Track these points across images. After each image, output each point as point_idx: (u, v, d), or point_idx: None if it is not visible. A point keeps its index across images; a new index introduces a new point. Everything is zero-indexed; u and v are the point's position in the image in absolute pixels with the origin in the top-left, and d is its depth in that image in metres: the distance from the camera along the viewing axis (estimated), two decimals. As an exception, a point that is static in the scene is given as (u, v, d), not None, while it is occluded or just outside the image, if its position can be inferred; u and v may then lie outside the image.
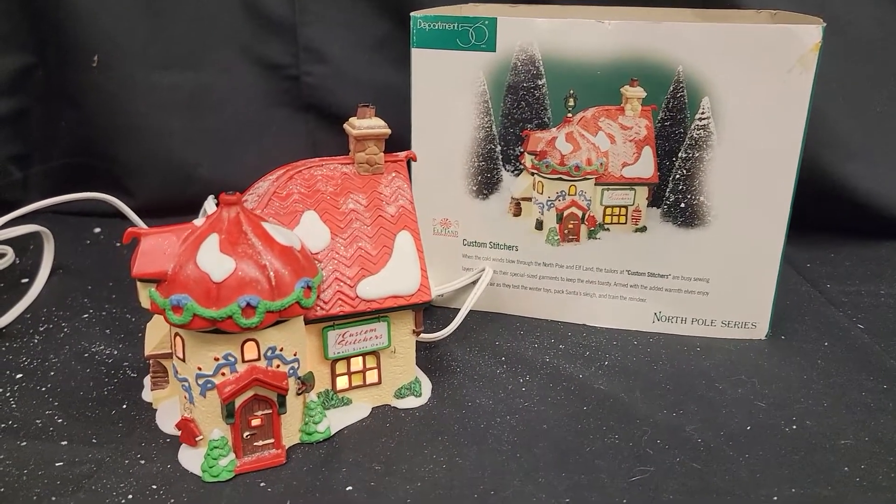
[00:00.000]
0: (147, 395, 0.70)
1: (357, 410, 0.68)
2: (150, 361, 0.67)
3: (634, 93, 0.77)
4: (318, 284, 0.62)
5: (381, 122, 0.67)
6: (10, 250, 0.94)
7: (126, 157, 1.14)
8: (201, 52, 1.12)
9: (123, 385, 0.71)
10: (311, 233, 0.64)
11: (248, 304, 0.56)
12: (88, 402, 0.69)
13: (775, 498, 0.58)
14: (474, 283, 0.86)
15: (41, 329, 0.81)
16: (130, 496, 0.57)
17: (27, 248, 1.00)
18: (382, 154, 0.68)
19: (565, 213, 0.82)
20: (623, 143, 0.79)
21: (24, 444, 0.62)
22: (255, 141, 1.16)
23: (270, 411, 0.61)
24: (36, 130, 1.14)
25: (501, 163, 0.82)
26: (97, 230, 1.11)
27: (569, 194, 0.81)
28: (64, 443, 0.63)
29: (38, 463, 0.60)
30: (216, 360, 0.58)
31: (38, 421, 0.66)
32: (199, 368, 0.58)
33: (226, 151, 1.16)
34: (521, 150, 0.81)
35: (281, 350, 0.60)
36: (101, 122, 1.13)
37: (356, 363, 0.67)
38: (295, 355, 0.61)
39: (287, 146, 1.17)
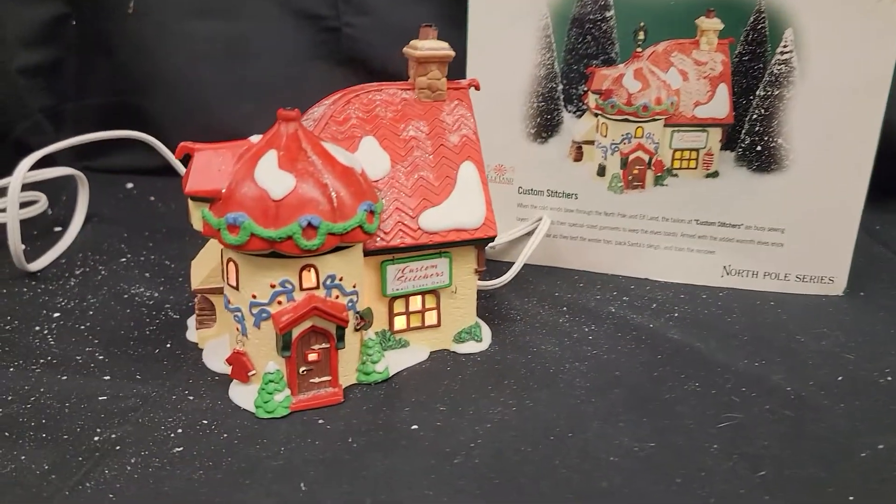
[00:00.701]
0: (192, 335, 0.66)
1: (415, 353, 0.63)
2: (196, 298, 0.63)
3: (711, 24, 0.72)
4: (380, 211, 0.57)
5: (444, 44, 0.63)
6: (42, 197, 0.90)
7: (159, 109, 1.10)
8: (238, 1, 1.08)
9: (166, 325, 0.67)
10: (370, 159, 0.60)
11: (310, 224, 0.52)
12: (130, 340, 0.65)
13: (881, 446, 0.53)
14: (529, 234, 0.81)
15: (77, 273, 0.78)
16: (180, 430, 0.53)
17: (59, 199, 0.96)
18: (445, 80, 0.63)
19: (630, 158, 0.77)
20: (696, 81, 0.74)
21: (65, 377, 0.59)
22: (291, 95, 1.11)
23: (328, 346, 0.56)
24: (69, 82, 1.11)
25: (562, 103, 0.77)
26: (130, 185, 1.07)
27: (635, 137, 0.76)
28: (106, 377, 0.59)
29: (80, 396, 0.56)
30: (272, 287, 0.54)
31: (77, 357, 0.62)
32: (254, 296, 0.54)
33: (260, 105, 1.11)
34: (585, 88, 0.76)
35: (340, 280, 0.56)
36: (135, 72, 1.09)
37: (415, 302, 0.63)
38: (354, 287, 0.57)
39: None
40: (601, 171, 0.78)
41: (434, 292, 0.63)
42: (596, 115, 0.77)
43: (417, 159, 0.62)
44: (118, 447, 0.51)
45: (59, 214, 0.93)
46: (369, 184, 0.57)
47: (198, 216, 0.54)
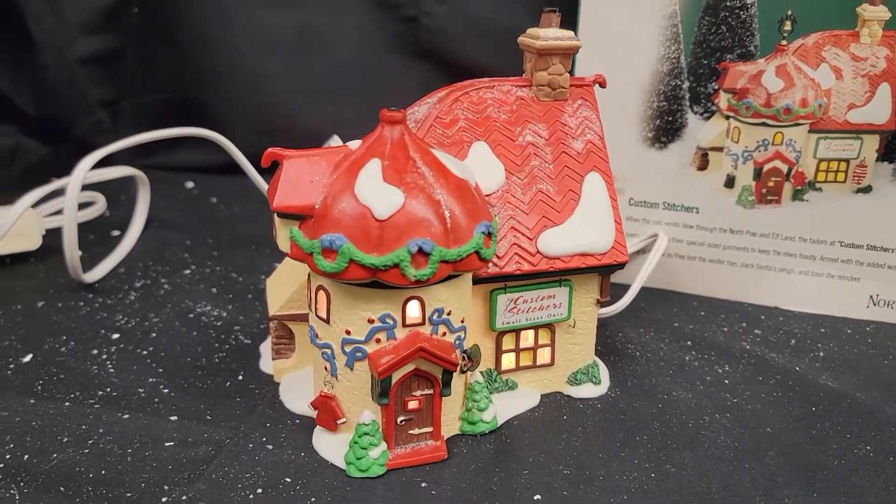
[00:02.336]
0: (266, 365, 0.57)
1: (524, 397, 0.54)
2: (273, 324, 0.55)
3: (875, 13, 0.61)
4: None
5: (569, 33, 0.53)
6: (101, 198, 0.83)
7: (223, 104, 1.02)
8: (310, -12, 1.00)
9: (237, 352, 0.59)
10: (482, 169, 0.51)
11: (420, 250, 0.43)
12: (198, 370, 0.57)
13: None
14: (640, 251, 0.71)
15: (137, 286, 0.70)
16: (260, 490, 0.44)
17: (118, 201, 0.89)
18: (568, 75, 0.54)
19: (766, 168, 0.67)
20: (853, 79, 0.63)
21: (127, 416, 0.51)
22: (364, 90, 1.03)
23: (432, 392, 0.48)
24: (129, 73, 1.04)
25: (688, 103, 0.67)
26: (190, 185, 1.00)
27: (773, 143, 0.66)
28: (173, 418, 0.51)
29: (143, 441, 0.48)
30: (371, 322, 0.45)
31: (140, 390, 0.54)
32: (348, 332, 0.46)
33: (330, 100, 1.03)
34: (716, 87, 0.66)
35: (449, 314, 0.47)
36: (198, 64, 1.02)
37: (526, 338, 0.54)
38: (462, 322, 0.48)
39: (398, 97, 1.04)
40: (729, 183, 0.68)
41: (549, 326, 0.54)
42: (727, 117, 0.66)
43: (535, 169, 0.52)
44: (189, 512, 0.42)
45: (118, 217, 0.86)
46: (484, 200, 0.48)
47: (285, 235, 0.46)
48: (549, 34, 0.53)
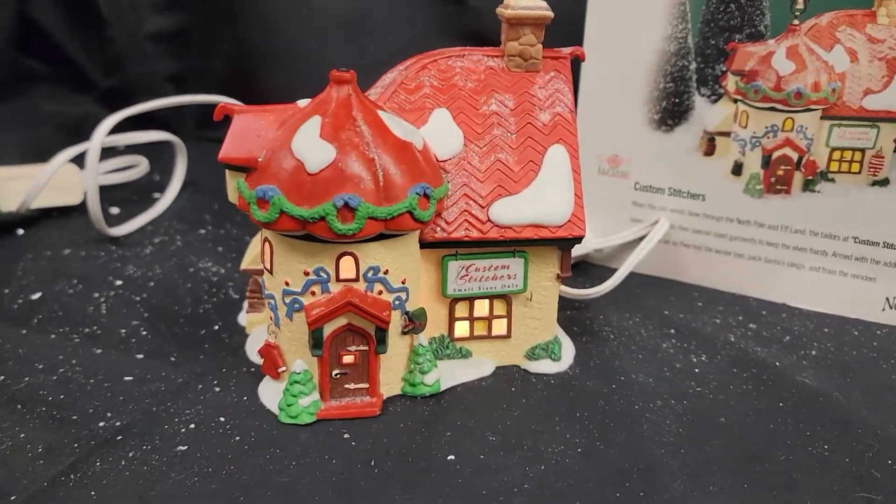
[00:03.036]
0: (243, 318, 0.60)
1: (477, 366, 0.54)
2: (249, 281, 0.57)
3: (894, -8, 0.56)
4: (440, 197, 0.48)
5: (542, 3, 0.53)
6: (143, 161, 0.89)
7: (276, 80, 1.07)
8: (362, -30, 1.02)
9: (222, 305, 0.62)
10: (439, 135, 0.51)
11: (346, 205, 0.44)
12: (180, 318, 0.60)
13: None
14: (643, 238, 0.69)
15: (156, 241, 0.75)
16: (192, 426, 0.47)
17: (166, 165, 0.95)
18: (540, 46, 0.53)
19: (775, 155, 0.63)
20: (869, 63, 0.59)
21: (100, 351, 0.55)
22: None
23: (367, 348, 0.49)
24: (193, 49, 1.10)
25: (695, 85, 0.65)
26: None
27: (783, 130, 0.62)
28: (139, 356, 0.54)
29: (107, 374, 0.52)
30: (306, 274, 0.47)
31: (122, 330, 0.58)
32: (287, 284, 0.47)
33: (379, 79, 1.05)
34: (724, 68, 0.63)
35: (386, 273, 0.47)
36: (255, 41, 1.06)
37: (481, 307, 0.54)
38: (403, 283, 0.49)
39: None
40: (737, 170, 0.65)
41: (505, 298, 0.53)
42: (735, 101, 0.63)
43: (497, 139, 0.52)
44: (119, 437, 0.45)
45: (164, 181, 0.92)
46: (432, 164, 0.49)
47: (233, 187, 0.48)
48: (519, 3, 0.52)
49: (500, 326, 0.54)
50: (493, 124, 0.52)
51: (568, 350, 0.57)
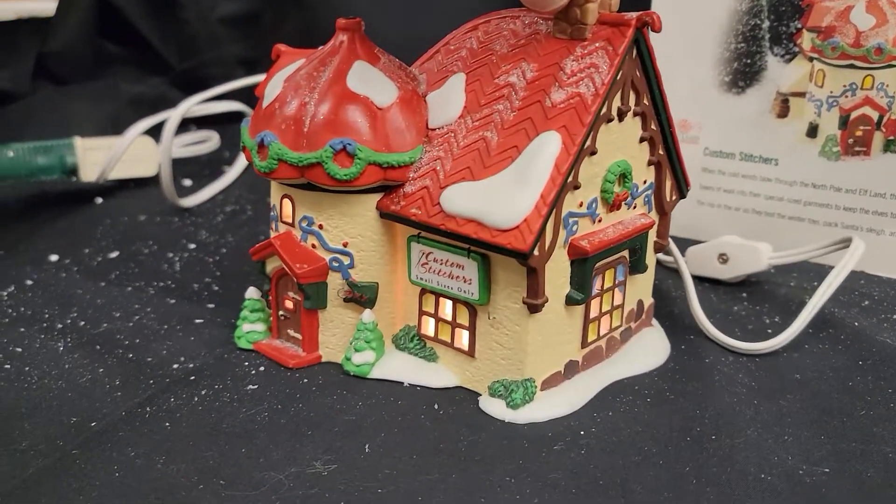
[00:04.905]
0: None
1: (437, 375, 0.47)
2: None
3: (984, -63, 0.54)
4: (393, 164, 0.45)
5: (610, -43, 0.51)
6: (215, 136, 0.91)
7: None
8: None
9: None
10: (442, 101, 0.48)
11: (261, 142, 0.45)
12: (251, 276, 0.62)
13: None
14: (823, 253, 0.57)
15: (228, 210, 0.77)
16: (262, 368, 0.48)
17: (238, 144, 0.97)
18: (595, 9, 0.45)
19: (853, 115, 0.61)
20: (956, 13, 0.56)
21: (174, 301, 0.57)
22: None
23: (300, 299, 0.48)
24: (263, 32, 1.13)
25: (768, 44, 0.63)
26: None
27: (861, 88, 0.60)
28: (211, 305, 0.56)
29: (181, 320, 0.54)
30: (270, 208, 0.50)
31: (194, 285, 0.60)
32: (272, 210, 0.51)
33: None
34: (799, 26, 0.61)
35: (320, 228, 0.47)
36: (320, 23, 1.08)
37: (445, 308, 0.47)
38: (345, 247, 0.47)
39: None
40: (812, 132, 0.63)
41: (467, 306, 0.46)
42: (811, 59, 0.62)
43: (495, 114, 0.46)
44: (192, 377, 0.47)
45: (234, 155, 0.94)
46: (395, 127, 0.45)
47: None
48: (583, -44, 0.51)
49: (461, 339, 0.47)
50: (500, 97, 0.46)
51: (547, 399, 0.46)
